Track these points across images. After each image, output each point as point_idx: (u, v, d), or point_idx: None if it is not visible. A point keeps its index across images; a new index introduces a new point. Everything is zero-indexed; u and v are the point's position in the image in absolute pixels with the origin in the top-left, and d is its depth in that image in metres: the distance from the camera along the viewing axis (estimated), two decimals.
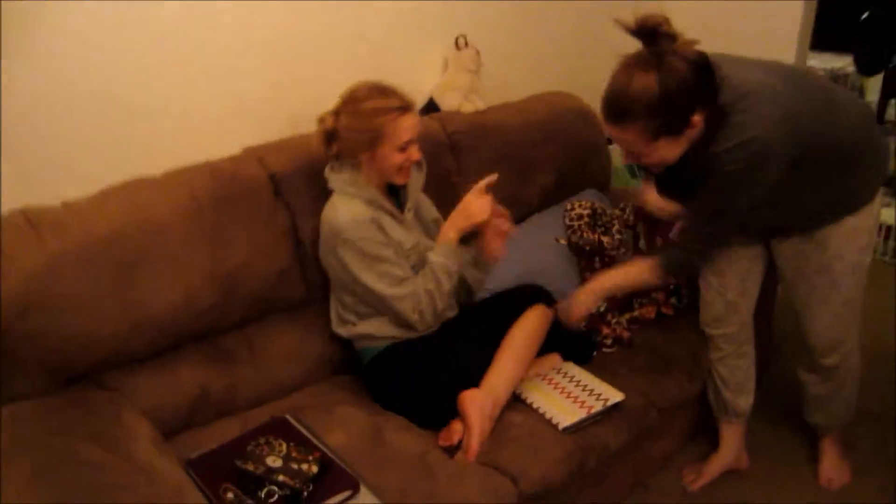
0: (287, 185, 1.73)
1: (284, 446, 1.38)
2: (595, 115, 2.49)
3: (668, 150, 1.33)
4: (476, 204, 1.66)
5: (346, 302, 1.70)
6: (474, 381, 1.61)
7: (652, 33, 1.26)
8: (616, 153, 2.90)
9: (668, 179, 1.73)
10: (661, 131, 1.28)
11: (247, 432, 1.45)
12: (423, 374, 1.64)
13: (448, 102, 2.17)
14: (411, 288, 1.64)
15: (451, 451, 1.55)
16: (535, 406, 1.65)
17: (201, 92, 1.76)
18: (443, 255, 1.67)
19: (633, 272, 1.64)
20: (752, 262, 1.79)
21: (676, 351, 1.90)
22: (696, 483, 1.95)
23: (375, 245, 1.60)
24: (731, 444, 1.96)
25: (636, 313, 2.00)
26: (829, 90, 1.54)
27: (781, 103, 1.35)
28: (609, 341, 1.92)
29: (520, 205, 2.21)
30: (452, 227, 1.69)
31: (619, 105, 1.28)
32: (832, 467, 1.97)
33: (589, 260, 2.12)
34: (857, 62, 3.96)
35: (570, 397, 1.66)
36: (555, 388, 1.70)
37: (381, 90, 1.63)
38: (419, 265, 1.69)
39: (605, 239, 2.10)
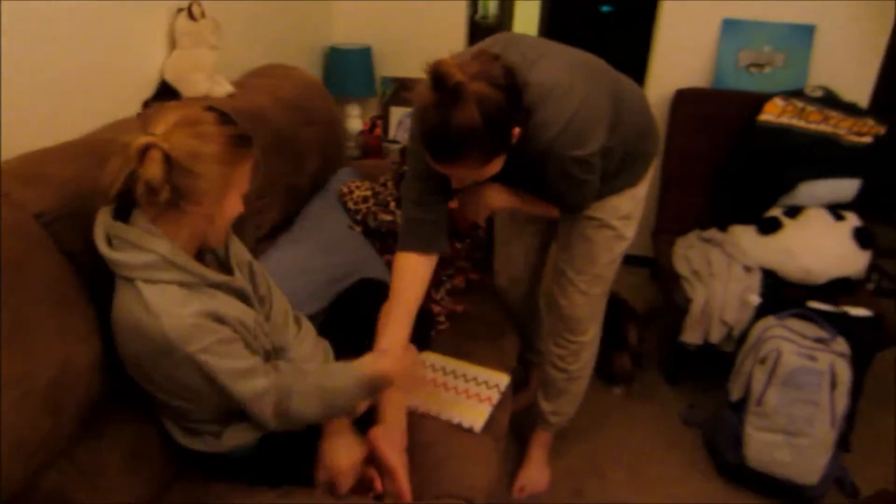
0: (63, 230, 1.18)
1: None
2: (322, 85, 2.32)
3: (495, 167, 1.33)
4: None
5: (198, 418, 1.26)
6: (367, 413, 1.41)
7: (444, 82, 1.17)
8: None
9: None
10: (490, 154, 1.28)
11: None
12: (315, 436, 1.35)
13: (193, 86, 1.75)
14: (272, 380, 1.22)
15: (378, 499, 1.37)
16: (435, 415, 1.54)
17: None
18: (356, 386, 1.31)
19: (534, 202, 1.58)
20: (534, 236, 1.90)
21: (498, 312, 1.99)
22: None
23: (225, 348, 1.16)
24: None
25: (448, 285, 2.00)
26: (616, 77, 1.55)
27: (579, 94, 1.36)
28: (442, 318, 1.90)
29: (296, 196, 1.96)
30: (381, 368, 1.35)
31: (448, 145, 1.22)
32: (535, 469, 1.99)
33: (384, 242, 2.02)
34: None
35: (463, 393, 1.60)
36: (441, 388, 1.61)
37: (224, 117, 1.17)
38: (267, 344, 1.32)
39: (393, 217, 2.03)
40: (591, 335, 1.80)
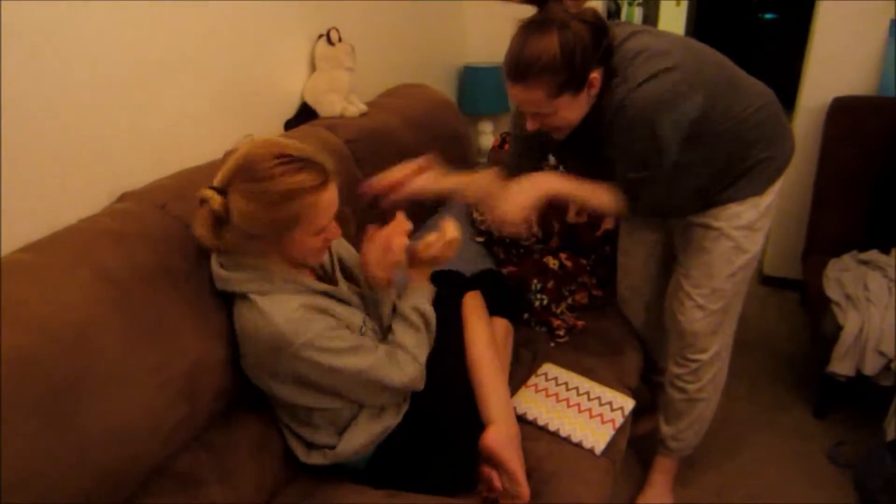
0: None
1: None
2: (452, 103, 2.40)
3: (571, 110, 1.33)
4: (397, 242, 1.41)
5: (317, 423, 1.35)
6: (474, 415, 1.44)
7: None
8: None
9: (574, 148, 1.53)
10: (562, 88, 1.28)
11: None
12: (432, 444, 1.39)
13: (329, 106, 1.88)
14: (381, 348, 1.34)
15: (494, 500, 1.38)
16: (555, 430, 1.53)
17: (33, 144, 1.20)
18: (416, 298, 1.45)
19: (593, 187, 1.44)
20: (654, 246, 1.83)
21: (621, 329, 1.94)
22: None
23: (332, 333, 1.25)
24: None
25: (570, 300, 1.98)
26: (731, 69, 1.48)
27: (672, 59, 1.31)
28: (562, 332, 1.88)
29: (423, 210, 2.04)
30: (421, 273, 1.49)
31: (521, 64, 1.27)
32: (655, 496, 1.92)
33: (507, 252, 2.05)
34: None
35: (586, 412, 1.58)
36: (563, 403, 1.59)
37: (288, 159, 1.16)
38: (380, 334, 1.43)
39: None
40: (711, 353, 1.69)
